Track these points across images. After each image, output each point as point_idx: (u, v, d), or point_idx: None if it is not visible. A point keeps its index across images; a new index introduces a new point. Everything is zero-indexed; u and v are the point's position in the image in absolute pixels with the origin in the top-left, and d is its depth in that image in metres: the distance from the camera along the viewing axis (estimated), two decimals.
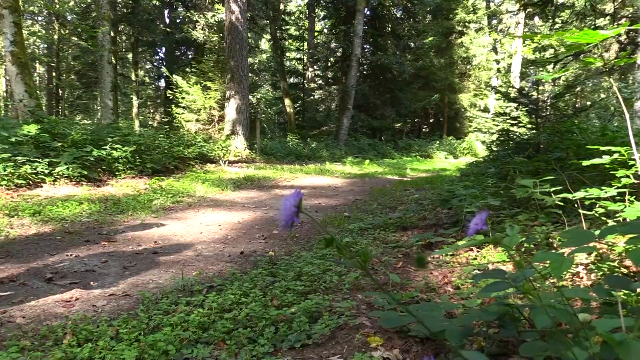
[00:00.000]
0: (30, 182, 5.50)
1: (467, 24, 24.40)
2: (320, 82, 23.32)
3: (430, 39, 23.25)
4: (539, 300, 1.15)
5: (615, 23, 6.55)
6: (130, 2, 19.76)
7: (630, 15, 8.77)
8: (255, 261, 3.04)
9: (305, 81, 22.64)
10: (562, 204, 2.85)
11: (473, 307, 1.86)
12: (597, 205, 2.58)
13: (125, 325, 1.91)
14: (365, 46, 21.04)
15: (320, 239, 3.69)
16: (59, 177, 5.78)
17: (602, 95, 21.79)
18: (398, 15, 22.05)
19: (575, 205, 2.72)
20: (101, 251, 3.25)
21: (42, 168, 5.64)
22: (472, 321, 1.58)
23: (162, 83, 25.11)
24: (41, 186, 5.52)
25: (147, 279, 2.66)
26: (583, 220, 2.63)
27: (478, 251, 2.97)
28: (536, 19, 25.67)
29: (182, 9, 20.46)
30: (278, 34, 21.37)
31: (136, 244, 3.49)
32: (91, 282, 2.57)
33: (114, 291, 2.44)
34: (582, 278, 2.21)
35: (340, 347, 1.75)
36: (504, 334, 1.60)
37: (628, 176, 2.52)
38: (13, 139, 5.88)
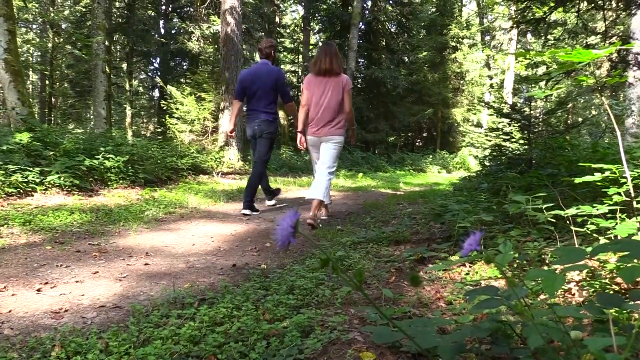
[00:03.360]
0: (21, 190, 5.46)
1: (460, 39, 24.70)
2: None
3: (424, 53, 23.47)
4: (532, 319, 1.15)
5: (607, 41, 6.64)
6: (126, 12, 19.84)
7: (621, 34, 8.91)
8: (247, 274, 3.02)
9: (299, 94, 22.72)
10: (554, 220, 2.86)
11: (465, 323, 1.86)
12: (589, 222, 2.59)
13: (115, 338, 1.89)
14: (359, 60, 21.19)
15: (314, 252, 3.68)
16: (50, 186, 5.75)
17: (594, 112, 22.03)
18: (392, 30, 22.25)
19: (567, 222, 2.74)
20: (92, 262, 3.23)
21: (33, 177, 5.60)
22: (464, 337, 1.58)
23: (156, 93, 25.14)
24: (32, 195, 5.49)
25: (138, 290, 2.64)
26: (575, 236, 2.64)
27: (471, 266, 2.97)
28: (529, 35, 25.99)
29: (177, 20, 20.58)
30: None
31: (127, 255, 3.46)
32: (81, 293, 2.54)
33: (104, 302, 2.41)
34: (574, 295, 2.22)
35: None
36: (496, 351, 1.59)
37: (620, 194, 2.54)
38: (4, 147, 5.85)
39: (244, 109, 5.81)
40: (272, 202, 6.37)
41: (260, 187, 5.90)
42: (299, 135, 5.20)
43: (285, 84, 5.71)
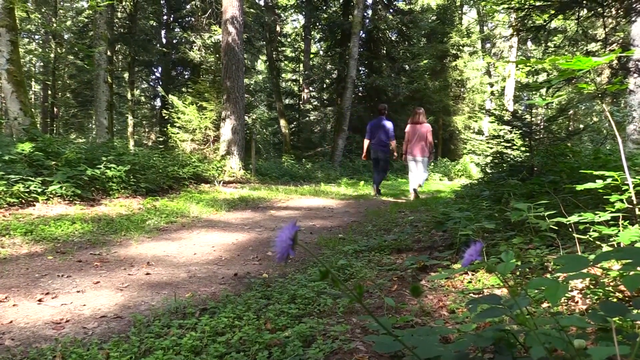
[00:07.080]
0: (23, 200, 5.47)
1: (461, 47, 24.77)
2: (315, 103, 23.49)
3: (425, 61, 23.50)
4: (535, 329, 1.14)
5: (607, 48, 6.65)
6: (128, 22, 19.95)
7: (621, 41, 8.91)
8: (249, 283, 3.01)
9: (300, 102, 22.79)
10: (556, 227, 2.85)
11: (468, 332, 1.84)
12: (592, 230, 2.58)
13: (116, 349, 1.89)
14: (360, 68, 21.23)
15: (315, 262, 3.67)
16: (52, 196, 5.75)
17: (595, 119, 22.02)
18: (393, 39, 22.30)
19: (570, 229, 2.72)
20: (93, 272, 3.22)
21: (35, 187, 5.61)
22: (467, 346, 1.56)
23: (158, 103, 25.24)
24: (34, 205, 5.49)
25: (140, 300, 2.63)
26: (577, 244, 2.63)
27: (473, 274, 2.96)
28: (529, 43, 26.05)
29: (179, 30, 20.68)
30: (274, 56, 21.57)
31: (129, 265, 3.46)
32: (82, 304, 2.53)
33: (105, 313, 2.41)
34: (577, 302, 2.20)
35: None
36: None
37: (622, 201, 2.53)
38: (6, 157, 5.86)
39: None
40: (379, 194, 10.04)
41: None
42: (403, 155, 9.29)
43: (393, 130, 9.67)
